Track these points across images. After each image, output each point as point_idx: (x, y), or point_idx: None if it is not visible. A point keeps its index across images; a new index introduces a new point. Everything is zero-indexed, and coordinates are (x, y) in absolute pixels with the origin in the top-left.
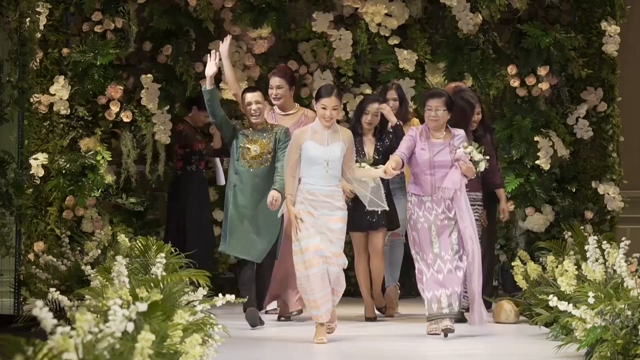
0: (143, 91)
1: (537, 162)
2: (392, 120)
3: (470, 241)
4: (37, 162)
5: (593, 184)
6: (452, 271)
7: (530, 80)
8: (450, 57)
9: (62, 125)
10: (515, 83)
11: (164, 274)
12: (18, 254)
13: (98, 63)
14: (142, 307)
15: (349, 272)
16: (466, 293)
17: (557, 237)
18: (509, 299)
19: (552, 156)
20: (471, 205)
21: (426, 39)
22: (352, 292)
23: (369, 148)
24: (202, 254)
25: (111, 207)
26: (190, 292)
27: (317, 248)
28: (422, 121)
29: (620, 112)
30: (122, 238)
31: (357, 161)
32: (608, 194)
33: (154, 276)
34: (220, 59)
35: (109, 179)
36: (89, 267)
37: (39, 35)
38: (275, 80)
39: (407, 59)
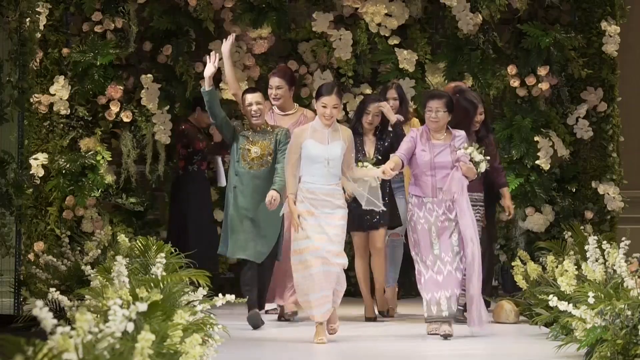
0: (143, 91)
1: (537, 162)
2: (392, 118)
3: (470, 242)
4: (37, 162)
5: (593, 184)
6: (452, 273)
7: (530, 80)
8: (450, 57)
9: (62, 125)
10: (515, 83)
11: (164, 274)
12: (18, 254)
13: (98, 63)
14: (142, 307)
15: (349, 272)
16: (463, 292)
17: (557, 237)
18: (509, 299)
19: (552, 156)
20: (472, 205)
21: (426, 39)
22: (352, 292)
23: (370, 148)
24: (204, 254)
25: (111, 207)
26: (190, 292)
27: (315, 249)
28: (422, 121)
29: (620, 112)
30: (122, 238)
31: (359, 160)
32: (608, 194)
33: (154, 276)
34: (220, 59)
35: (109, 179)
36: (89, 267)
37: (39, 35)
38: (274, 81)
39: (407, 59)
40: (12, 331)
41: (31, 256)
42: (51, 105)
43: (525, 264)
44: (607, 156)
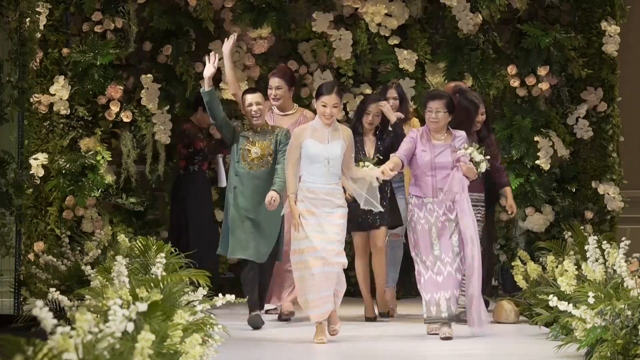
0: (143, 91)
1: (537, 162)
2: (392, 118)
3: (470, 242)
4: (37, 162)
5: (593, 184)
6: (452, 274)
7: (530, 80)
8: (450, 57)
9: (62, 125)
10: (515, 83)
11: (164, 274)
12: (18, 254)
13: (98, 63)
14: (142, 307)
15: (349, 272)
16: (463, 292)
17: (557, 237)
18: (509, 299)
19: (552, 156)
20: (473, 205)
21: (426, 39)
22: (352, 292)
23: (370, 148)
24: (204, 254)
25: (111, 207)
26: (190, 292)
27: (315, 249)
28: (421, 120)
29: (620, 112)
30: (122, 238)
31: (360, 160)
32: (608, 194)
33: (154, 276)
34: (220, 59)
35: (109, 179)
36: (89, 267)
37: (39, 35)
38: (274, 81)
39: (407, 59)
40: (12, 331)
41: (31, 256)
42: (51, 105)
43: (525, 264)
44: (607, 156)
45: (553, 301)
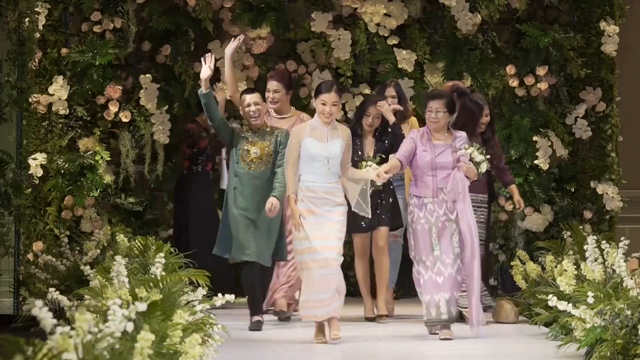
0: (142, 91)
1: (535, 162)
2: (391, 118)
3: (470, 243)
4: (36, 162)
5: (592, 184)
6: (452, 275)
7: (529, 80)
8: (449, 57)
9: (60, 125)
10: (514, 83)
11: (163, 273)
12: (17, 254)
13: (97, 63)
14: (142, 307)
15: (349, 272)
16: (463, 292)
17: (556, 237)
18: (508, 299)
19: (550, 156)
20: (477, 207)
21: (425, 39)
22: (352, 292)
23: (369, 149)
24: (205, 255)
25: (110, 207)
26: (189, 292)
27: (315, 250)
28: (420, 120)
29: (619, 112)
30: (121, 238)
31: (363, 160)
32: (607, 193)
33: (153, 276)
34: (219, 59)
35: (108, 178)
36: (88, 267)
37: (37, 35)
38: (272, 84)
39: (406, 59)
40: (11, 331)
41: (30, 256)
42: (50, 105)
43: (524, 263)
44: (605, 156)
45: (552, 301)
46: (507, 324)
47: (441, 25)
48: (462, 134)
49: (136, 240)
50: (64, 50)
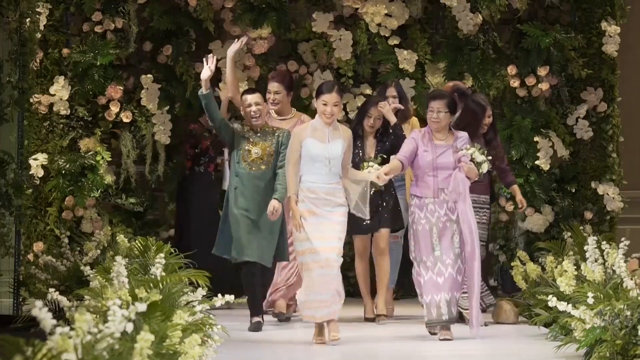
0: (143, 91)
1: (536, 162)
2: (392, 119)
3: (470, 243)
4: (37, 163)
5: (593, 185)
6: (452, 275)
7: (530, 80)
8: (450, 58)
9: (61, 125)
10: (515, 83)
11: (164, 274)
12: (17, 254)
13: (98, 63)
14: (142, 307)
15: (349, 273)
16: (464, 294)
17: (556, 237)
18: (508, 299)
19: (551, 156)
20: (479, 208)
21: (426, 39)
22: (351, 293)
23: (370, 150)
24: (206, 255)
25: (111, 207)
26: (189, 293)
27: (315, 251)
28: (421, 120)
29: (620, 113)
30: (122, 238)
31: (365, 161)
32: (607, 194)
33: (153, 276)
34: (220, 59)
35: (109, 179)
36: (88, 267)
37: (39, 35)
38: (273, 86)
39: (407, 59)
40: (11, 331)
41: (30, 256)
42: (51, 105)
43: (524, 264)
44: (606, 156)
45: (552, 301)
46: (507, 325)
47: (442, 26)
48: (464, 134)
49: (136, 241)
50: (65, 51)
